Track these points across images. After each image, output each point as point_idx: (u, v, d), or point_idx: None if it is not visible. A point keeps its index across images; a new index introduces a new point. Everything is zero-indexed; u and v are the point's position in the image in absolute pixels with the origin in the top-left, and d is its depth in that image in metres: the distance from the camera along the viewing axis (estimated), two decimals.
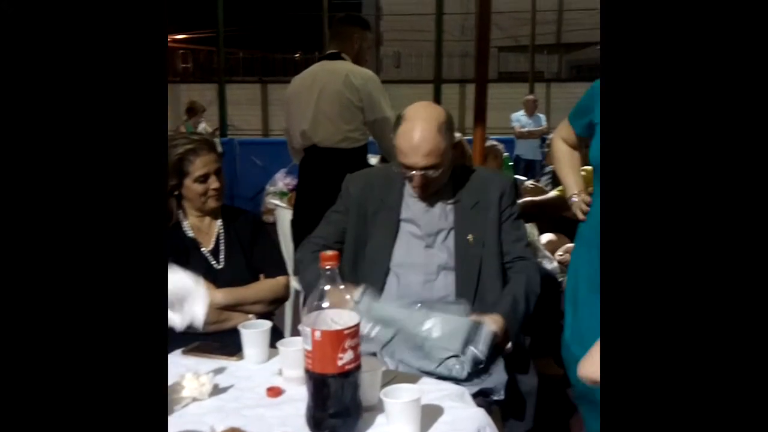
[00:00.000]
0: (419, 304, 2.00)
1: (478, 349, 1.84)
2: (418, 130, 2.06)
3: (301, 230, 3.50)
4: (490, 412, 1.62)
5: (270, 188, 7.77)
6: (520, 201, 3.81)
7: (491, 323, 1.94)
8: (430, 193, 2.16)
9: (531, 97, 10.32)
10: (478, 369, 1.88)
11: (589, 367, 1.25)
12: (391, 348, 1.89)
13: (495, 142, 4.75)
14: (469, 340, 1.85)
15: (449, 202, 2.19)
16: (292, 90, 3.58)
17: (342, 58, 3.49)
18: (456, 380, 1.81)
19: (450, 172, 2.19)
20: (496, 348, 1.97)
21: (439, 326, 1.88)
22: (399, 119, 2.13)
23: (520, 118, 9.82)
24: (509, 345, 2.04)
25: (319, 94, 3.38)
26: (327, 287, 1.40)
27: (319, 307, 1.39)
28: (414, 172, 2.08)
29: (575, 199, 2.28)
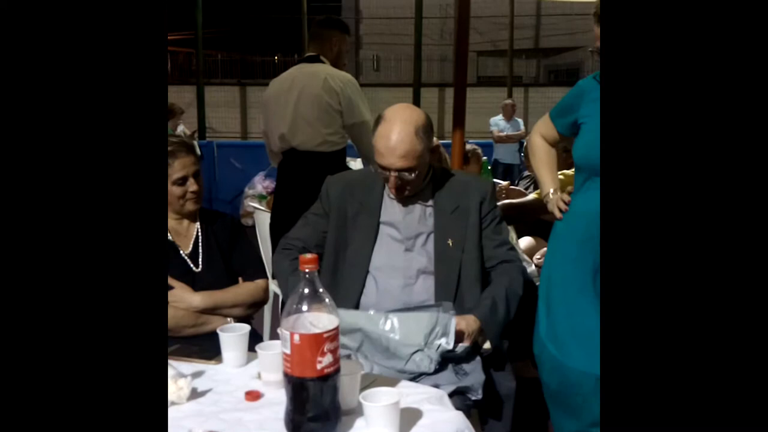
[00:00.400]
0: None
1: (445, 341, 1.86)
2: (396, 131, 2.07)
3: (279, 233, 3.48)
4: (468, 415, 1.63)
5: (249, 191, 7.76)
6: (499, 203, 3.82)
7: (460, 320, 1.96)
8: (406, 195, 2.16)
9: (509, 101, 10.35)
10: (455, 366, 1.90)
11: None
12: (363, 353, 1.91)
13: (475, 146, 4.77)
14: (433, 333, 1.87)
15: (429, 205, 2.20)
16: (270, 93, 3.56)
17: (321, 61, 3.48)
18: (428, 374, 1.84)
19: (428, 176, 2.21)
20: (473, 348, 1.99)
21: (398, 324, 1.90)
22: (378, 119, 2.14)
23: (498, 123, 9.85)
24: (487, 345, 2.05)
25: (298, 97, 3.37)
26: (306, 291, 1.40)
27: (299, 311, 1.39)
28: (390, 173, 2.09)
29: (552, 196, 2.29)
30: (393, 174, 2.08)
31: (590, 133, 2.14)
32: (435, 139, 2.21)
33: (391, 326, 1.90)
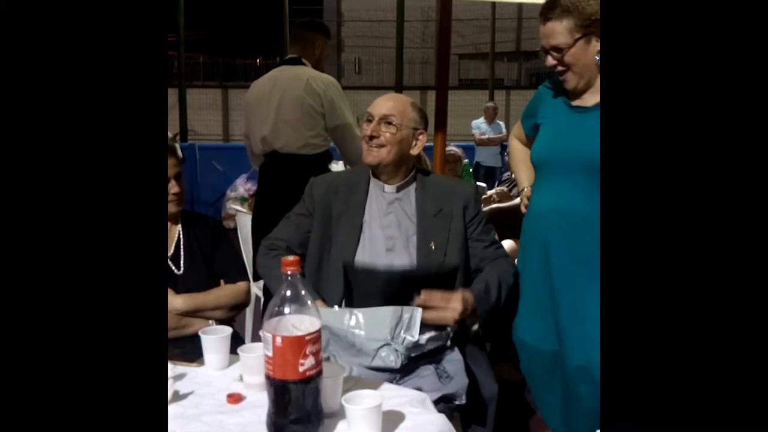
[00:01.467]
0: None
1: (411, 334, 1.87)
2: (392, 95, 2.25)
3: (261, 236, 3.46)
4: (451, 418, 1.64)
5: (231, 194, 7.72)
6: (486, 208, 3.84)
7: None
8: (379, 160, 2.18)
9: (491, 104, 10.38)
10: (438, 368, 1.90)
11: None
12: (327, 352, 1.89)
13: (454, 149, 4.77)
14: (399, 327, 1.87)
15: (412, 207, 2.21)
16: (251, 95, 3.54)
17: (302, 63, 3.47)
18: (395, 371, 1.85)
19: (410, 173, 2.25)
20: (461, 325, 2.01)
21: (363, 319, 1.91)
22: None
23: (480, 126, 9.88)
24: (476, 327, 2.07)
25: (280, 99, 3.35)
26: (288, 293, 1.40)
27: (280, 313, 1.39)
28: (372, 120, 2.16)
29: (526, 191, 2.36)
30: (374, 122, 2.16)
31: (546, 134, 2.25)
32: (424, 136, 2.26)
33: (356, 322, 1.91)
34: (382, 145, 2.16)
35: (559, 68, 2.13)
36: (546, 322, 2.20)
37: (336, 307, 2.00)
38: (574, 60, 2.09)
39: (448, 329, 1.98)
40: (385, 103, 2.19)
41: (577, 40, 2.06)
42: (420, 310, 1.92)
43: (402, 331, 1.87)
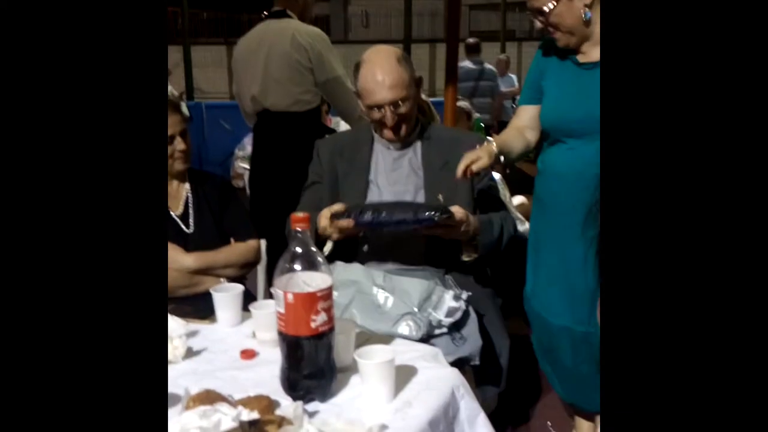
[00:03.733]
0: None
1: (437, 314, 1.85)
2: (378, 66, 2.11)
3: (258, 197, 3.43)
4: (463, 372, 1.64)
5: (239, 152, 7.67)
6: None
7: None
8: (405, 134, 2.16)
9: (503, 56, 10.18)
10: (452, 331, 1.89)
11: None
12: (349, 312, 1.88)
13: (464, 104, 4.73)
14: (427, 302, 1.86)
15: (418, 161, 2.19)
16: (238, 53, 3.43)
17: (288, 16, 3.37)
18: (414, 341, 1.81)
19: (415, 129, 2.21)
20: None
21: (395, 283, 1.90)
22: (357, 66, 2.17)
23: None
24: (467, 258, 2.07)
25: (267, 56, 3.25)
26: (299, 250, 1.39)
27: (291, 270, 1.38)
28: (385, 109, 2.10)
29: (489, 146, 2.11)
30: (388, 110, 2.10)
31: (554, 95, 2.16)
32: (424, 96, 2.19)
33: (388, 283, 1.89)
34: (404, 123, 2.14)
35: (548, 29, 2.07)
36: (562, 294, 2.16)
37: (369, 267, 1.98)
38: (560, 20, 2.02)
39: (463, 303, 1.95)
40: (387, 87, 2.08)
41: (559, 0, 1.99)
42: (451, 293, 1.89)
43: (429, 307, 1.86)
